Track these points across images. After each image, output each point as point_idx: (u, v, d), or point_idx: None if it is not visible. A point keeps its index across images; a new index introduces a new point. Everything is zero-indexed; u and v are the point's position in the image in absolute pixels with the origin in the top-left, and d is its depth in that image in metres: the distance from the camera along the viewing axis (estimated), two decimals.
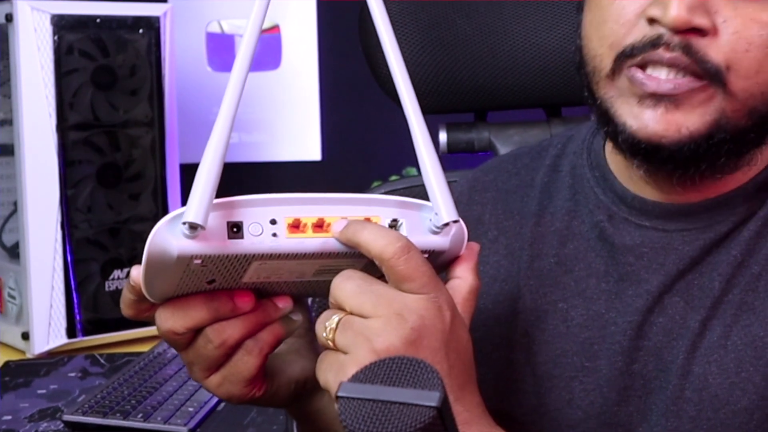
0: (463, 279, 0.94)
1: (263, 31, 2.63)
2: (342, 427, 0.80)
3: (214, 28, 2.63)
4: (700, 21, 0.94)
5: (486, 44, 1.52)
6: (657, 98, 0.97)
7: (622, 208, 1.06)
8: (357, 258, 0.90)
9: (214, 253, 0.85)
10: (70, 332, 2.08)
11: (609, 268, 1.06)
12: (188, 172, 2.34)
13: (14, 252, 2.12)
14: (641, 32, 0.97)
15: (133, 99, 2.11)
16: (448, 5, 1.53)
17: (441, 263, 0.94)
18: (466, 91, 1.54)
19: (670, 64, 0.96)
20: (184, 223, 0.83)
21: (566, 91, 1.52)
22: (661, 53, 0.96)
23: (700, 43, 0.95)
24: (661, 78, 0.96)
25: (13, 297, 2.10)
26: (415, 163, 0.94)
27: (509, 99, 1.56)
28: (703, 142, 0.96)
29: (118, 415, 1.64)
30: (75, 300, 2.06)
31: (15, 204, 2.10)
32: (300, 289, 0.96)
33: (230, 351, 0.95)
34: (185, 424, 1.62)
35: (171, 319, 0.92)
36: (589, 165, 1.11)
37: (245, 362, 0.95)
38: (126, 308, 0.94)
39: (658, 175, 1.02)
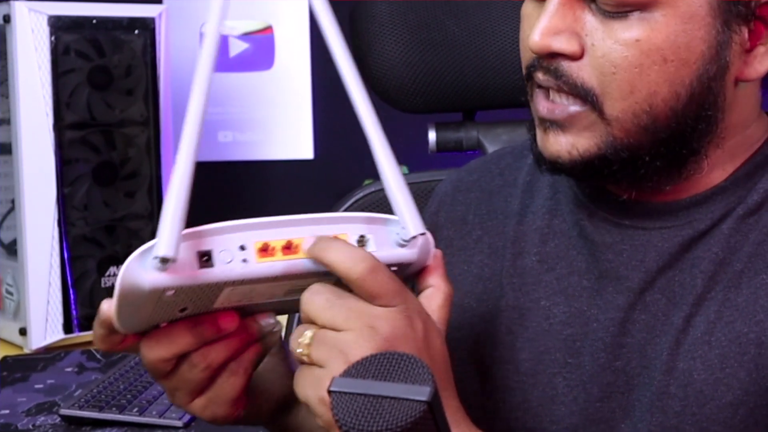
0: (436, 287, 0.95)
1: (257, 32, 2.65)
2: None
3: None
4: (560, 46, 0.96)
5: (474, 45, 1.54)
6: (546, 123, 1.00)
7: (601, 206, 1.07)
8: (327, 276, 0.90)
9: (186, 284, 0.85)
10: (67, 328, 2.08)
11: (590, 265, 1.06)
12: None
13: (12, 249, 2.12)
14: (529, 57, 1.00)
15: (128, 99, 2.12)
16: (437, 6, 1.55)
17: (409, 274, 0.95)
18: (454, 91, 1.56)
19: (544, 86, 0.98)
20: (155, 258, 0.82)
21: None
22: (538, 76, 0.99)
23: (571, 67, 0.97)
24: (541, 104, 0.99)
25: (10, 293, 2.10)
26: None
27: (497, 98, 1.57)
28: (597, 161, 0.98)
29: (114, 409, 1.66)
30: (72, 296, 2.07)
31: (12, 202, 2.10)
32: (272, 309, 0.96)
33: (215, 373, 0.95)
34: (180, 419, 1.63)
35: (157, 348, 0.92)
36: None
37: (230, 383, 0.95)
38: (99, 342, 0.93)
39: (595, 188, 1.06)
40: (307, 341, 0.89)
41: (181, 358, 0.93)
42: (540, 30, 0.96)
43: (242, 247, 0.87)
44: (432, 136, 1.61)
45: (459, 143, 1.61)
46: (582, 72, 0.97)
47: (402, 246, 0.92)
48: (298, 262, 0.89)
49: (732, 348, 0.98)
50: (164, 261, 0.82)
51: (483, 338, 1.10)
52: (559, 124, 0.99)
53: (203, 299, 0.88)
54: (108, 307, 0.89)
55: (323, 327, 0.89)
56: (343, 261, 0.89)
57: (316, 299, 0.90)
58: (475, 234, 1.16)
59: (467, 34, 1.54)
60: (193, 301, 0.88)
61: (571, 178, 1.05)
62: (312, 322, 0.90)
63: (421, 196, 1.47)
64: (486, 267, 1.14)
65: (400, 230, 0.92)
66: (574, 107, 0.98)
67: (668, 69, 0.95)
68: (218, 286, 0.87)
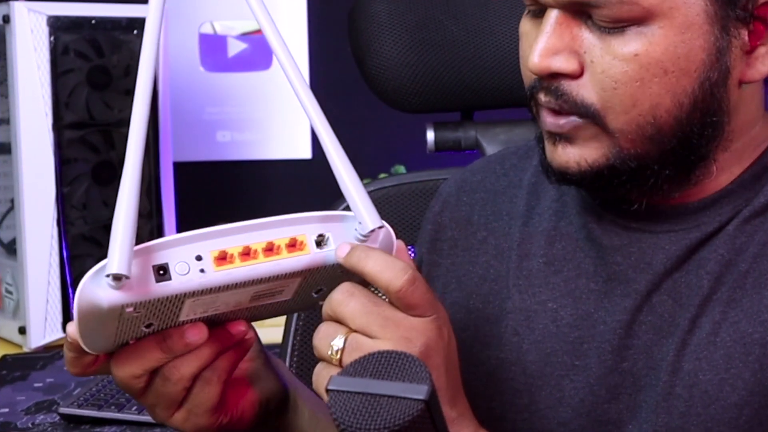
0: None
1: (256, 32, 2.65)
2: None
3: (207, 29, 2.64)
4: (560, 65, 0.96)
5: (472, 45, 1.54)
6: (553, 136, 1.00)
7: (609, 210, 1.07)
8: (291, 278, 0.90)
9: (144, 299, 0.84)
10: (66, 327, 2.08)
11: (597, 268, 1.06)
12: (181, 170, 2.36)
13: (11, 248, 2.13)
14: (529, 79, 1.00)
15: (127, 98, 2.11)
16: (435, 6, 1.55)
17: None
18: (452, 91, 1.56)
19: (547, 109, 0.99)
20: (108, 275, 0.81)
21: None
22: (540, 98, 0.99)
23: (571, 86, 0.97)
24: (547, 119, 0.99)
25: (10, 292, 2.11)
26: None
27: (495, 98, 1.57)
28: (607, 172, 0.99)
29: (112, 407, 1.66)
30: (71, 295, 2.07)
31: (12, 201, 2.10)
32: (240, 317, 0.95)
33: (189, 384, 0.94)
34: None
35: (127, 365, 0.92)
36: None
37: (206, 392, 0.95)
38: (71, 367, 0.93)
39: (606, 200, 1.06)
40: (340, 345, 0.90)
41: (153, 373, 0.93)
42: (538, 51, 0.96)
43: (198, 257, 0.86)
44: (430, 135, 1.61)
45: (457, 143, 1.61)
46: (582, 90, 0.97)
47: (362, 241, 0.92)
48: (257, 267, 0.88)
49: (737, 348, 0.98)
50: (117, 278, 0.81)
51: (489, 340, 1.11)
52: (566, 137, 0.99)
53: (167, 313, 0.88)
54: (73, 329, 0.88)
55: (355, 331, 0.90)
56: (383, 272, 0.90)
57: (352, 303, 0.90)
58: (480, 235, 1.17)
59: (466, 34, 1.54)
60: (157, 316, 0.87)
61: (581, 189, 1.05)
62: (342, 323, 0.91)
63: (419, 195, 1.47)
64: (491, 268, 1.14)
65: (357, 225, 0.92)
66: (577, 121, 0.98)
67: (669, 80, 0.95)
68: (179, 299, 0.86)
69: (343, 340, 0.90)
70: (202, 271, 0.86)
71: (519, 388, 1.07)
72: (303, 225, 0.91)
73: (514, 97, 1.56)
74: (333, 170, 0.93)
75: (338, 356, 0.89)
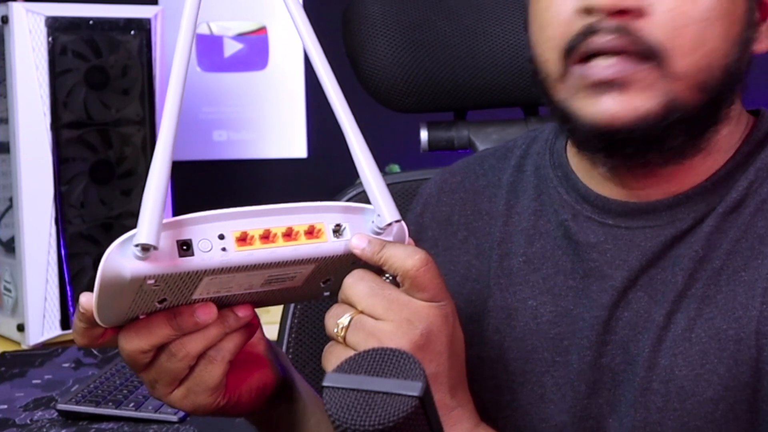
0: None
1: (252, 33, 2.66)
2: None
3: (203, 30, 2.65)
4: (630, 2, 0.94)
5: (466, 45, 1.54)
6: (604, 85, 0.96)
7: (585, 206, 1.07)
8: (306, 264, 0.92)
9: (166, 272, 0.85)
10: (64, 324, 2.09)
11: (575, 265, 1.07)
12: (178, 169, 2.36)
13: (10, 246, 2.12)
14: (577, 26, 0.96)
15: (124, 98, 2.12)
16: (429, 7, 1.55)
17: None
18: (446, 91, 1.56)
19: (607, 50, 0.95)
20: (137, 245, 0.82)
21: None
22: (597, 40, 0.95)
23: (637, 24, 0.94)
24: (601, 65, 0.96)
25: (8, 290, 2.11)
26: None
27: (488, 98, 1.58)
28: (658, 122, 0.96)
29: (110, 404, 1.66)
30: (69, 293, 2.07)
31: (11, 200, 2.10)
32: (248, 300, 0.96)
33: (193, 362, 0.94)
34: (175, 413, 1.64)
35: (136, 339, 0.92)
36: (552, 165, 1.11)
37: (209, 371, 0.95)
38: (79, 337, 0.93)
39: (620, 169, 1.03)
40: (345, 323, 0.92)
41: (159, 349, 0.93)
42: None
43: (221, 236, 0.87)
44: (424, 135, 1.61)
45: (450, 142, 1.61)
46: (651, 27, 0.94)
47: (378, 234, 0.94)
48: (275, 251, 0.89)
49: (712, 344, 0.98)
50: (145, 249, 0.83)
51: (471, 339, 1.09)
52: (619, 84, 0.96)
53: (182, 289, 0.89)
54: (87, 299, 0.89)
55: (362, 313, 0.92)
56: (397, 254, 0.92)
57: (360, 285, 0.92)
58: (461, 234, 1.17)
59: (459, 35, 1.55)
60: (173, 291, 0.88)
61: (613, 144, 0.99)
62: (351, 305, 0.93)
63: (412, 194, 1.48)
64: (473, 267, 1.15)
65: (375, 218, 0.94)
66: (636, 66, 0.95)
67: (726, 24, 0.96)
68: (198, 276, 0.87)
69: (348, 318, 0.92)
70: (223, 249, 0.87)
71: (501, 386, 1.08)
72: (322, 213, 0.92)
73: (506, 97, 1.57)
74: (355, 163, 0.94)
75: (343, 333, 0.92)
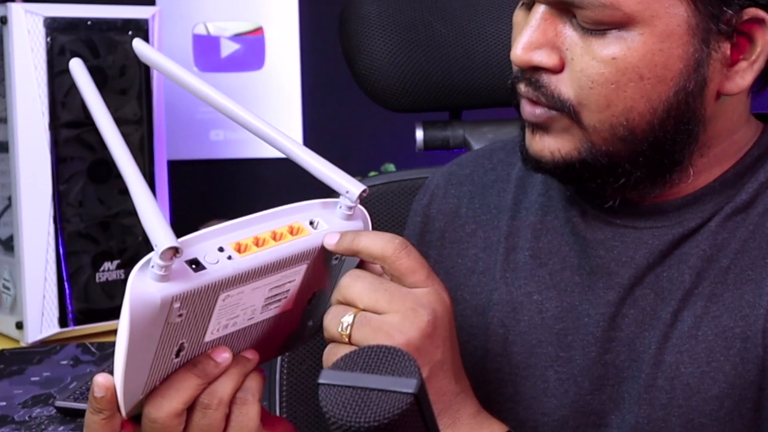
0: None
1: (248, 33, 2.67)
2: None
3: (200, 30, 2.65)
4: (541, 59, 0.98)
5: (461, 45, 1.55)
6: (531, 125, 1.02)
7: (593, 204, 1.08)
8: (297, 265, 0.94)
9: (190, 288, 0.86)
10: (62, 322, 2.08)
11: (581, 261, 1.08)
12: (175, 168, 2.37)
13: (9, 245, 2.11)
14: (514, 69, 1.03)
15: (122, 98, 2.11)
16: (425, 8, 1.56)
17: None
18: (441, 91, 1.57)
19: (526, 97, 1.01)
20: (164, 252, 0.83)
21: None
22: (521, 88, 1.01)
23: (550, 80, 0.99)
24: (526, 108, 1.01)
25: (7, 288, 2.10)
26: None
27: (483, 98, 1.59)
28: (578, 165, 1.00)
29: None
30: (67, 291, 2.07)
31: (9, 199, 2.09)
32: (252, 334, 0.98)
33: (227, 410, 0.93)
34: None
35: (166, 402, 0.90)
36: None
37: (245, 413, 0.94)
38: None
39: (580, 191, 1.07)
40: (350, 322, 0.92)
41: (189, 409, 0.92)
42: (522, 44, 0.98)
43: (221, 249, 0.90)
44: (419, 134, 1.62)
45: (446, 142, 1.62)
46: (560, 85, 0.98)
47: (348, 219, 0.97)
48: (274, 249, 0.92)
49: (718, 342, 0.99)
50: (166, 261, 0.84)
51: (475, 331, 1.12)
52: (542, 127, 1.00)
53: (199, 319, 0.90)
54: (106, 378, 0.88)
55: (364, 310, 0.93)
56: (374, 243, 0.93)
57: (358, 283, 0.93)
58: (469, 227, 1.18)
59: (454, 35, 1.56)
60: (191, 325, 0.89)
61: (554, 178, 1.06)
62: (352, 305, 0.93)
63: (408, 192, 1.49)
64: (480, 261, 1.15)
65: (342, 202, 0.97)
66: (555, 113, 0.99)
67: (644, 86, 0.96)
68: (215, 291, 0.89)
69: (352, 317, 0.93)
70: (229, 257, 0.90)
71: (504, 379, 1.09)
72: (298, 213, 0.96)
73: (501, 96, 1.57)
74: (289, 154, 1.00)
75: (347, 331, 0.92)
